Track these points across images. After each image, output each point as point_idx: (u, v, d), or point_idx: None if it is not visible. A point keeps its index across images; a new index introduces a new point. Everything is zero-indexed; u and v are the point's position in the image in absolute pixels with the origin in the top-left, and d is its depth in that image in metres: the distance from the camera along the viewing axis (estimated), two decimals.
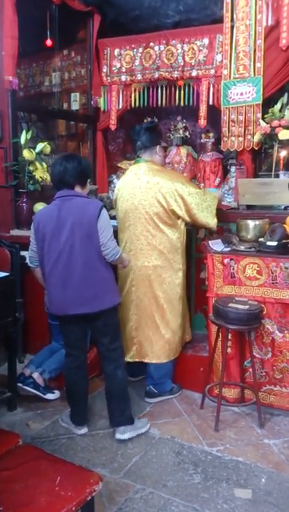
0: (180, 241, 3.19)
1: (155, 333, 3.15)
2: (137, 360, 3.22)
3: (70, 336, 2.72)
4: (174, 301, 3.18)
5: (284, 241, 2.96)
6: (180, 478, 2.40)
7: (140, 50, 4.29)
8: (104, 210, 2.56)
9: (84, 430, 2.81)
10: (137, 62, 4.31)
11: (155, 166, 3.17)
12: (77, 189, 2.63)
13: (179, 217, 3.12)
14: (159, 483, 2.35)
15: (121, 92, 4.47)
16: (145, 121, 4.74)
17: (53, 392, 3.20)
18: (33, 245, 2.65)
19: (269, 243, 2.97)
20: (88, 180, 2.74)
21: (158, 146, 3.22)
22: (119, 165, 4.84)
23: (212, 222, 3.13)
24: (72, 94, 4.79)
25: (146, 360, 3.20)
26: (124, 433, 2.70)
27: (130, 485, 2.34)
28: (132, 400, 2.93)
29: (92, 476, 1.68)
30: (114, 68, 4.45)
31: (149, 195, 3.06)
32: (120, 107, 4.50)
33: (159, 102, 4.35)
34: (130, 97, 4.44)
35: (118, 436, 2.70)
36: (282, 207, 3.44)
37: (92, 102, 4.57)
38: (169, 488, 2.32)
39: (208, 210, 3.11)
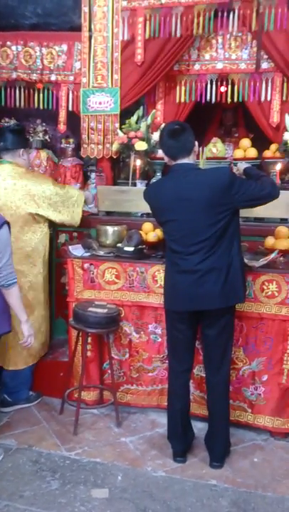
0: (42, 245, 3.17)
1: (13, 339, 3.06)
2: None
3: None
4: (33, 305, 3.13)
5: (140, 246, 3.11)
6: (37, 486, 2.37)
7: None
8: (5, 228, 2.39)
9: None
10: None
11: (20, 169, 3.13)
12: None
13: (45, 219, 3.12)
14: (15, 495, 2.29)
15: None
16: (2, 121, 4.59)
17: None
18: None
19: (126, 248, 3.09)
20: None
21: (22, 149, 3.17)
22: None
23: (78, 218, 3.29)
24: None
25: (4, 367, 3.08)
26: None
27: None
28: None
29: None
30: None
31: (16, 197, 3.00)
32: None
33: (17, 103, 4.25)
34: None
35: None
36: (139, 214, 3.63)
37: None
38: (26, 498, 2.27)
39: (76, 206, 3.26)
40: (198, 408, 2.93)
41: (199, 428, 2.81)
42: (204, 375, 2.69)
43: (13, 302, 2.50)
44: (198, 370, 2.90)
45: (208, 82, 3.90)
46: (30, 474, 2.46)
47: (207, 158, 3.66)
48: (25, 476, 2.44)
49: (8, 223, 2.46)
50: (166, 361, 2.91)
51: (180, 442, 2.64)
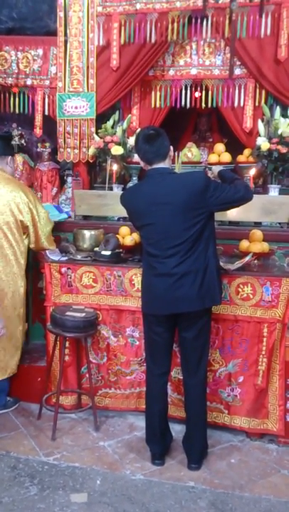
0: (24, 255, 3.16)
1: None
2: None
3: None
4: (12, 318, 3.11)
5: (117, 250, 3.14)
6: (16, 492, 2.35)
7: None
8: None
9: None
10: None
11: (6, 175, 3.13)
12: None
13: (25, 231, 3.11)
14: None
15: None
16: None
17: None
18: None
19: (103, 252, 3.11)
20: None
21: (10, 157, 3.18)
22: None
23: (52, 247, 3.25)
24: None
25: None
26: None
27: None
28: None
29: None
30: None
31: (1, 203, 2.98)
32: None
33: None
34: None
35: None
36: (116, 218, 3.64)
37: None
38: (4, 505, 2.25)
39: (49, 238, 3.22)
40: (176, 410, 2.96)
41: (177, 430, 2.84)
42: (182, 378, 2.72)
43: None
44: (176, 373, 2.93)
45: (183, 87, 3.95)
46: (8, 480, 2.44)
47: (182, 163, 3.71)
48: (3, 483, 2.42)
49: None
50: (144, 364, 2.92)
51: (158, 445, 2.66)
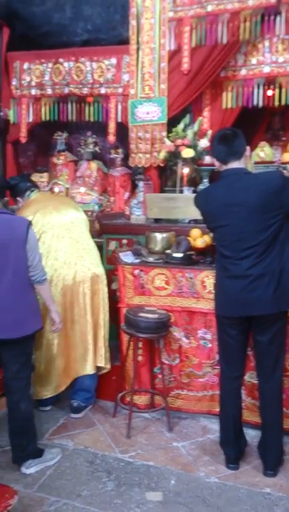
0: None
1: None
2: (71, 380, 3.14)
3: None
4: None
5: (188, 253, 3.15)
6: (94, 486, 2.44)
7: (50, 65, 4.35)
8: (31, 228, 2.47)
9: None
10: (46, 77, 4.37)
11: None
12: None
13: None
14: (73, 494, 2.37)
15: (31, 105, 4.50)
16: (55, 135, 4.79)
17: None
18: None
19: (175, 255, 3.13)
20: None
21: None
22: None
23: None
24: None
25: (85, 373, 3.14)
26: (29, 467, 2.53)
27: (44, 498, 2.33)
28: (43, 414, 2.95)
29: (6, 491, 1.69)
30: (23, 82, 4.47)
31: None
32: (30, 120, 4.52)
33: (70, 117, 4.43)
34: (40, 110, 4.47)
35: (23, 470, 2.53)
36: (187, 220, 3.66)
37: (1, 114, 4.52)
38: (83, 498, 2.35)
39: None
40: (250, 415, 2.90)
41: (252, 435, 2.79)
42: (256, 382, 2.67)
43: (45, 295, 2.64)
44: (250, 377, 2.88)
45: (255, 86, 3.90)
46: (86, 474, 2.53)
47: (255, 163, 3.65)
48: (82, 476, 2.52)
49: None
50: (217, 367, 2.91)
51: (233, 449, 2.63)
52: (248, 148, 2.48)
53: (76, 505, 2.29)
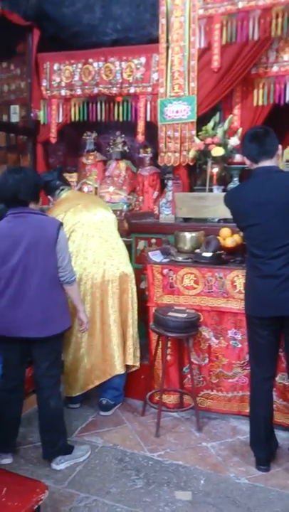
0: None
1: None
2: (100, 382, 3.14)
3: (9, 357, 2.57)
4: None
5: (218, 252, 3.12)
6: (123, 484, 2.45)
7: (79, 65, 4.39)
8: (62, 229, 2.50)
9: (8, 460, 2.58)
10: (76, 78, 4.41)
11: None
12: (32, 206, 2.50)
13: None
14: (103, 491, 2.39)
15: (61, 105, 4.56)
16: (84, 135, 4.83)
17: None
18: None
19: (204, 254, 3.11)
20: None
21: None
22: None
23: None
24: (12, 107, 4.79)
25: (115, 373, 3.14)
26: (59, 463, 2.56)
27: (74, 494, 2.36)
28: (73, 412, 2.97)
29: (37, 486, 1.71)
30: (53, 82, 4.52)
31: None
32: (60, 120, 4.57)
33: (99, 117, 4.46)
34: (70, 111, 4.53)
35: (53, 466, 2.56)
36: (216, 220, 3.63)
37: (32, 115, 4.59)
38: (113, 495, 2.36)
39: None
40: (281, 417, 2.87)
41: (283, 437, 2.75)
42: (287, 384, 2.63)
43: (74, 295, 2.65)
44: (281, 378, 2.84)
45: (288, 83, 3.83)
46: (116, 472, 2.55)
47: (287, 161, 3.59)
48: (111, 474, 2.53)
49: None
50: (247, 368, 2.88)
51: (263, 450, 2.60)
52: (279, 146, 2.44)
53: (106, 502, 2.30)
